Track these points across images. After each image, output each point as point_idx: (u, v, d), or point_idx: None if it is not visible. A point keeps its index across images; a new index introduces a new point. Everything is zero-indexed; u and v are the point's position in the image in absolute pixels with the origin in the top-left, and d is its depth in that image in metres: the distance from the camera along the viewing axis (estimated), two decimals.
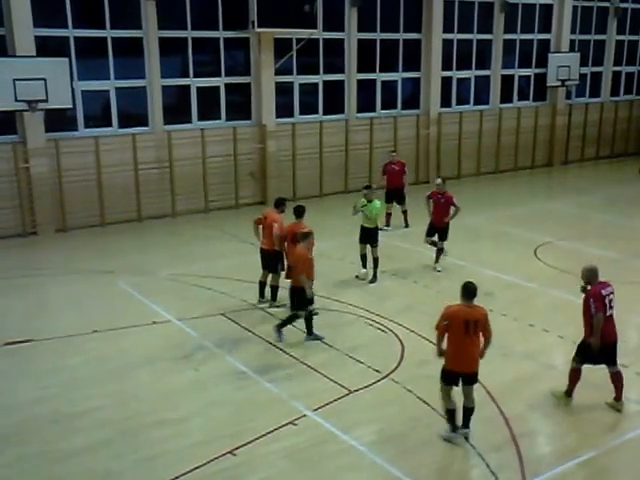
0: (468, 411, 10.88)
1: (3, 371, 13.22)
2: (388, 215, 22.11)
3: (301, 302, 13.96)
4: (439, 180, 18.85)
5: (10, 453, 10.59)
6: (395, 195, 22.28)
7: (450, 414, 10.87)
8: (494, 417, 11.48)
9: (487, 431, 11.11)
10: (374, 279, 17.29)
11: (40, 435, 11.03)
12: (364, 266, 17.51)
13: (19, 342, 14.17)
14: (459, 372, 10.61)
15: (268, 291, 16.02)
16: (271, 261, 15.67)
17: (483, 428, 11.17)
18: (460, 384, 10.76)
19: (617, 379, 11.88)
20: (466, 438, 10.81)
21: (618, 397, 11.91)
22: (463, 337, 10.43)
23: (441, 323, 10.58)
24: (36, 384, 12.61)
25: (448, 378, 10.73)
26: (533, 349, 14.00)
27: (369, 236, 17.29)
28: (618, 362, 11.98)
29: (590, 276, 11.77)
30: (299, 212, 15.26)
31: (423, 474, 10.01)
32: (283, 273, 15.52)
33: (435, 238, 18.60)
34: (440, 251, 18.56)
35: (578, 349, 11.96)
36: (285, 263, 15.43)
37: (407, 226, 22.14)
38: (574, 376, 11.99)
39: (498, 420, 11.38)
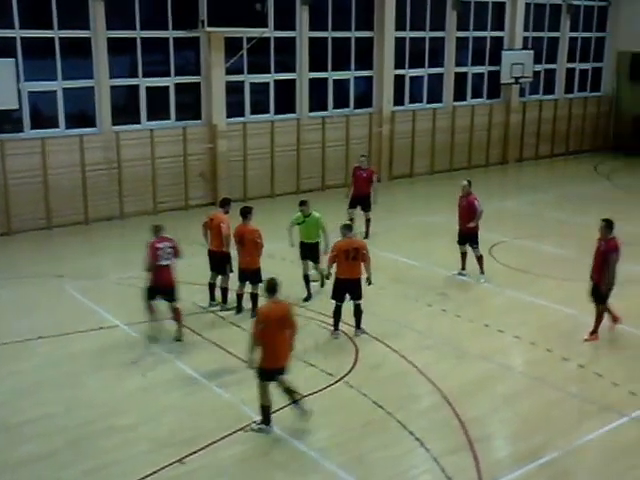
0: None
1: None
2: (350, 221, 20.11)
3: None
4: (465, 182, 17.77)
5: None
6: (360, 202, 21.09)
7: (266, 410, 10.99)
8: (450, 420, 11.39)
9: (442, 435, 11.04)
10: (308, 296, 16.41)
11: None
12: (307, 290, 16.49)
13: None
14: (278, 368, 10.92)
15: (219, 293, 15.81)
16: (220, 263, 15.49)
17: (438, 432, 11.12)
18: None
19: None
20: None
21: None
22: (278, 334, 10.81)
23: (258, 328, 10.81)
24: None
25: (268, 375, 10.92)
26: (489, 350, 13.91)
27: (310, 252, 16.39)
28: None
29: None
30: (245, 213, 15.05)
31: None
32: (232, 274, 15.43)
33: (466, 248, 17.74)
34: (480, 259, 17.60)
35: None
36: (232, 265, 15.39)
37: (367, 237, 20.43)
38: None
39: (454, 423, 11.28)
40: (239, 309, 15.42)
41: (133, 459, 10.30)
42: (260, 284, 14.82)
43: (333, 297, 14.33)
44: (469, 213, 17.37)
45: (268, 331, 10.72)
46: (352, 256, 13.90)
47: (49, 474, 10.00)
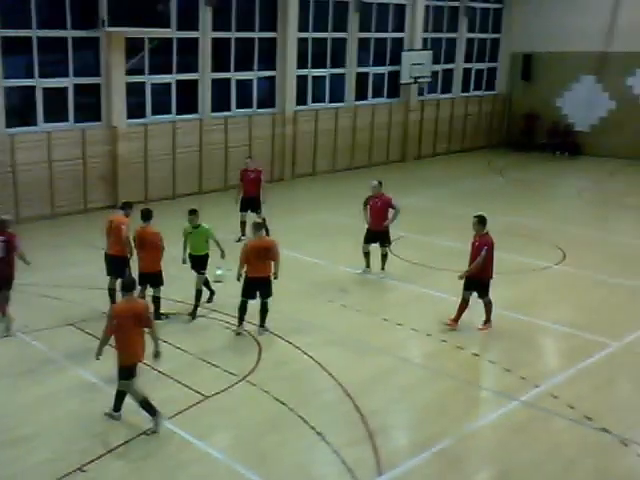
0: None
1: None
2: (242, 224, 20.65)
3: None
4: (375, 182, 17.89)
5: None
6: (250, 204, 20.79)
7: (147, 403, 11.15)
8: (350, 414, 11.58)
9: (343, 428, 11.23)
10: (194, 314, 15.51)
11: None
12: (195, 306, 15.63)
13: None
14: (136, 362, 11.22)
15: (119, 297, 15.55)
16: (118, 266, 15.15)
17: (339, 425, 11.31)
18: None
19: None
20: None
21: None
22: (132, 332, 11.01)
23: (110, 324, 11.10)
24: None
25: (129, 372, 11.13)
26: (388, 344, 14.19)
27: (199, 264, 15.63)
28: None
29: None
30: (146, 215, 14.86)
31: (281, 475, 10.02)
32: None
33: (371, 247, 17.87)
34: (385, 257, 17.84)
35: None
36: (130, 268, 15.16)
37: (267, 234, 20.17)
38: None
39: (354, 416, 11.48)
40: None
41: (33, 470, 10.11)
42: (161, 287, 14.93)
43: (243, 295, 14.40)
44: (384, 213, 17.51)
45: (121, 328, 10.94)
46: (262, 255, 14.09)
47: None
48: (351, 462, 10.23)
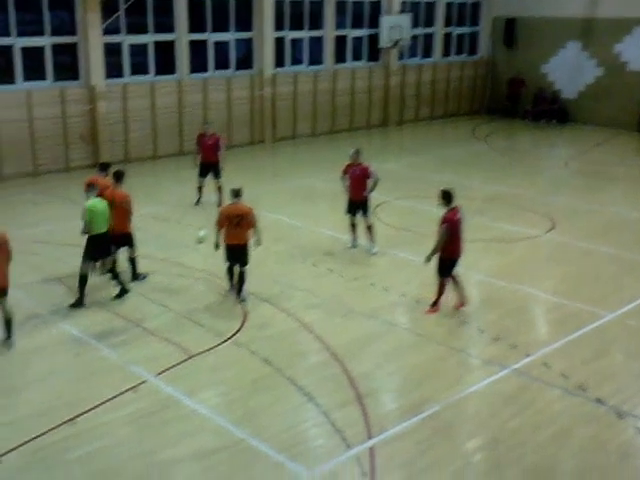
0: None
1: None
2: (199, 189, 20.36)
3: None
4: (353, 151, 17.25)
5: None
6: (210, 169, 20.26)
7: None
8: (338, 376, 11.56)
9: (331, 390, 11.21)
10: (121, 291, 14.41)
11: None
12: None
13: None
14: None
15: None
16: None
17: (327, 387, 11.29)
18: None
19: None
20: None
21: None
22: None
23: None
24: None
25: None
26: (374, 308, 14.11)
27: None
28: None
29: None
30: (118, 176, 14.61)
31: (268, 434, 9.98)
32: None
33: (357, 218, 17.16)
34: (370, 229, 17.04)
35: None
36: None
37: (220, 204, 19.14)
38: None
39: (342, 379, 11.46)
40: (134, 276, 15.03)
41: (21, 422, 10.16)
42: (134, 247, 14.81)
43: (226, 259, 14.26)
44: (363, 182, 16.87)
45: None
46: (236, 222, 13.79)
47: None
48: (340, 424, 10.22)
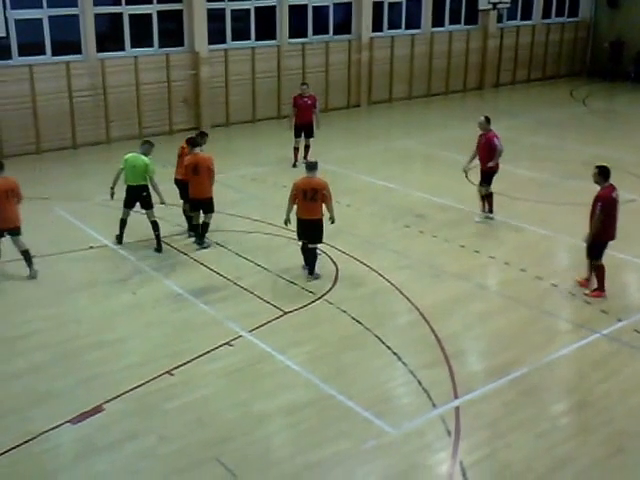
0: None
1: None
2: (296, 150, 20.92)
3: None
4: (482, 118, 16.62)
5: None
6: (305, 129, 20.90)
7: None
8: (426, 336, 11.73)
9: (419, 350, 11.37)
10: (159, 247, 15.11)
11: None
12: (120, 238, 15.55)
13: None
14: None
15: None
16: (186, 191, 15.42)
17: (415, 347, 11.47)
18: None
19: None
20: None
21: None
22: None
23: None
24: None
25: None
26: (464, 270, 14.18)
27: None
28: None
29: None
30: (195, 142, 15.07)
31: (356, 391, 10.24)
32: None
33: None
34: (489, 197, 16.67)
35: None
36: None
37: (305, 158, 20.29)
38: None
39: (430, 339, 11.63)
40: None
41: (123, 371, 10.72)
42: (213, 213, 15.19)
43: (298, 237, 13.83)
44: (488, 151, 16.32)
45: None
46: (310, 196, 13.34)
47: (41, 385, 10.39)
48: (427, 384, 10.40)
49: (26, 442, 9.13)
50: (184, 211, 15.86)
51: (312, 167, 13.60)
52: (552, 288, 13.45)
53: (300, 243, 13.86)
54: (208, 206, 15.12)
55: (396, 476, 8.72)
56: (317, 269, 13.81)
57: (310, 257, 13.77)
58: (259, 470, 8.73)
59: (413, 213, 17.20)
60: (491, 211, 16.78)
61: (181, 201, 15.86)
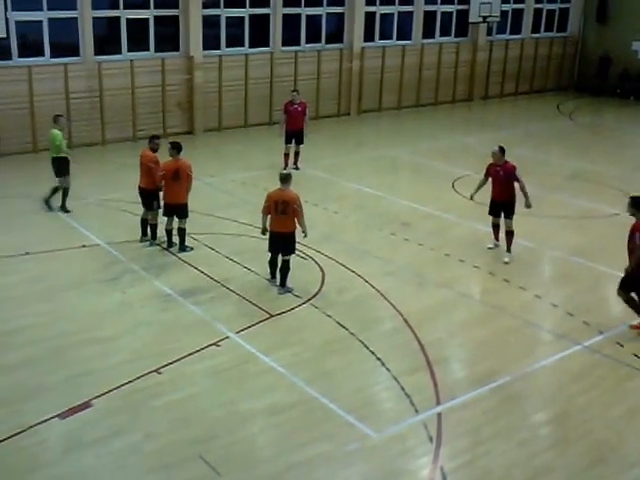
0: None
1: None
2: (286, 156, 21.22)
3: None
4: (496, 149, 15.29)
5: None
6: (295, 136, 21.17)
7: None
8: (410, 343, 11.88)
9: (402, 356, 11.52)
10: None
11: None
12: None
13: None
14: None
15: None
16: (148, 199, 15.62)
17: (399, 353, 11.61)
18: None
19: None
20: None
21: None
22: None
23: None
24: None
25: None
26: (449, 278, 14.32)
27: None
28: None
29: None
30: (178, 148, 15.08)
31: (339, 394, 10.38)
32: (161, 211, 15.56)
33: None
34: (510, 235, 15.24)
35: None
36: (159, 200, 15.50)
37: (297, 168, 21.07)
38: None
39: (413, 346, 11.77)
40: (169, 244, 15.53)
41: (112, 368, 10.88)
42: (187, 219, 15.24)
43: (269, 249, 13.66)
44: (507, 185, 15.05)
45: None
46: (281, 209, 13.15)
47: (31, 380, 10.55)
48: (410, 389, 10.51)
49: (16, 435, 9.28)
50: (143, 220, 15.79)
51: (285, 179, 13.34)
52: (535, 299, 13.60)
53: (269, 255, 13.72)
54: (183, 212, 15.14)
55: (378, 479, 8.89)
56: (289, 281, 13.65)
57: (282, 269, 13.54)
58: (243, 469, 8.88)
59: (399, 221, 17.37)
60: (509, 250, 15.33)
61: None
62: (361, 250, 15.59)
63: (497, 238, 15.79)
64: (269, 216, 13.40)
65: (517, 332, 12.41)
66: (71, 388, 10.38)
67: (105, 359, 11.18)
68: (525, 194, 14.94)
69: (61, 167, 17.26)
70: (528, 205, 15.04)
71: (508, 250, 15.28)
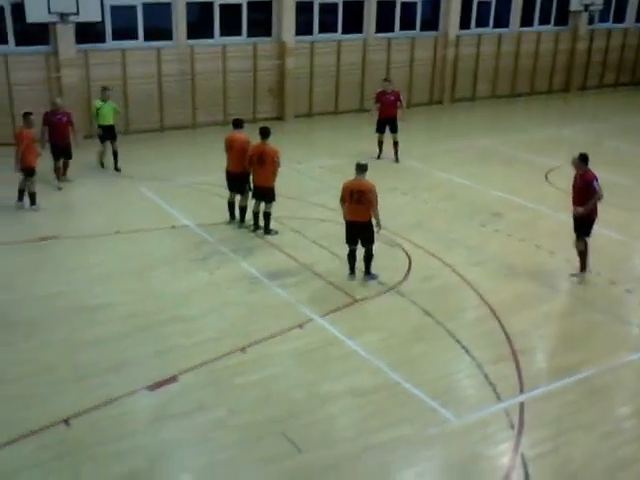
0: None
1: (34, 265, 13.97)
2: (380, 144, 21.15)
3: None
4: (575, 157, 13.80)
5: (37, 338, 11.33)
6: (388, 123, 20.93)
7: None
8: (495, 332, 11.82)
9: (487, 345, 11.47)
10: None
11: (65, 324, 11.74)
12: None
13: (48, 238, 14.93)
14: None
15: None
16: (239, 183, 15.72)
17: (484, 342, 11.56)
18: None
19: None
20: None
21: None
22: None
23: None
24: (63, 278, 13.35)
25: None
26: (537, 270, 14.18)
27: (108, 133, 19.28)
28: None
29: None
30: (265, 133, 15.19)
31: (422, 380, 10.40)
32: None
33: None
34: (583, 254, 13.86)
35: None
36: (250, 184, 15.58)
37: (397, 160, 21.01)
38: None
39: (499, 335, 11.71)
40: (256, 227, 15.70)
41: (198, 345, 11.12)
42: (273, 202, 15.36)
43: (346, 241, 13.51)
44: (584, 195, 13.60)
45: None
46: (356, 198, 13.02)
47: (117, 355, 10.86)
48: (493, 377, 10.49)
49: (104, 404, 9.59)
50: (230, 204, 16.00)
51: (362, 169, 13.23)
52: (625, 294, 13.36)
53: (348, 249, 13.55)
54: (270, 195, 15.27)
55: (456, 464, 8.87)
56: (373, 268, 13.55)
57: (366, 257, 13.43)
58: (322, 447, 8.98)
59: (490, 211, 17.23)
60: (584, 268, 13.96)
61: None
62: (449, 239, 15.52)
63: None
64: (346, 205, 13.31)
65: (604, 326, 12.22)
66: (157, 363, 10.65)
67: (191, 337, 11.41)
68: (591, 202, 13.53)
69: (102, 134, 19.30)
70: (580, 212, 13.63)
71: (582, 270, 13.89)
